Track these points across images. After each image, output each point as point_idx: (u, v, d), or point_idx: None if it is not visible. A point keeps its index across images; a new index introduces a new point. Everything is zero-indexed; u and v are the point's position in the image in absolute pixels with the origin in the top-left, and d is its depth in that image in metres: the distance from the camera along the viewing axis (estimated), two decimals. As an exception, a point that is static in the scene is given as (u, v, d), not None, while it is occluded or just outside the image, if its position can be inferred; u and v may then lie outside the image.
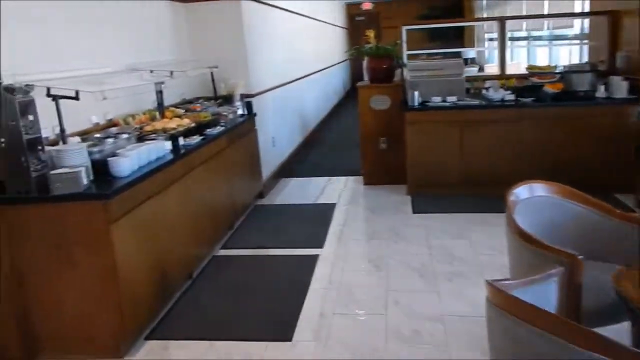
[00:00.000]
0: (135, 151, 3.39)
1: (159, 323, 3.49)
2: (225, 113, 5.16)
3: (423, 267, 4.09)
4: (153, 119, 4.54)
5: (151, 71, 4.61)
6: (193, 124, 4.48)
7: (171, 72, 4.67)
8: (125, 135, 3.70)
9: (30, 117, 2.92)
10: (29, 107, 2.91)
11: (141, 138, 3.95)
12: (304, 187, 6.62)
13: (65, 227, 2.93)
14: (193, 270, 4.16)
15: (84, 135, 3.71)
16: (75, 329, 3.06)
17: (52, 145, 3.30)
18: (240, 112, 5.70)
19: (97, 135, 3.67)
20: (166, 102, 5.17)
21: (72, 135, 3.60)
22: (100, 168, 3.22)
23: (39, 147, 2.96)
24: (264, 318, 3.49)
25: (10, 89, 2.82)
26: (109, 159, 3.23)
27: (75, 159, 3.02)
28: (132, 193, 3.19)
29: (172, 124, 4.18)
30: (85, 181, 2.95)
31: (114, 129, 3.98)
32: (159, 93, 4.60)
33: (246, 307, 3.66)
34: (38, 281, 3.04)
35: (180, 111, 4.97)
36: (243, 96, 5.79)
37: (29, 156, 2.87)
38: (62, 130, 3.23)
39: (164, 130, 4.12)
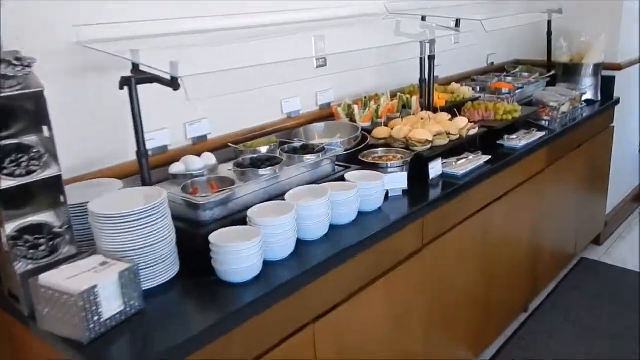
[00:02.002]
0: (287, 218, 1.45)
1: None
2: (553, 102, 2.73)
3: None
4: (405, 106, 2.48)
5: (423, 18, 2.51)
6: (475, 129, 2.25)
7: (457, 21, 2.46)
8: (310, 158, 1.79)
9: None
10: None
11: (357, 159, 1.98)
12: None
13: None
14: None
15: (246, 140, 1.95)
16: None
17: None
18: (588, 95, 3.15)
19: (251, 155, 1.84)
20: (458, 69, 3.06)
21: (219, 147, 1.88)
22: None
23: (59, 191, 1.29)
24: None
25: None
26: (212, 243, 1.38)
27: (121, 236, 1.27)
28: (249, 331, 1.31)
29: (424, 132, 2.04)
30: (114, 309, 1.17)
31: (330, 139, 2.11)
32: (430, 60, 2.47)
33: None
34: None
35: (467, 92, 2.75)
36: (598, 67, 3.17)
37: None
38: (141, 152, 1.47)
39: (407, 144, 2.05)
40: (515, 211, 2.44)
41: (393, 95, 2.52)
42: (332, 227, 1.62)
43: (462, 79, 3.18)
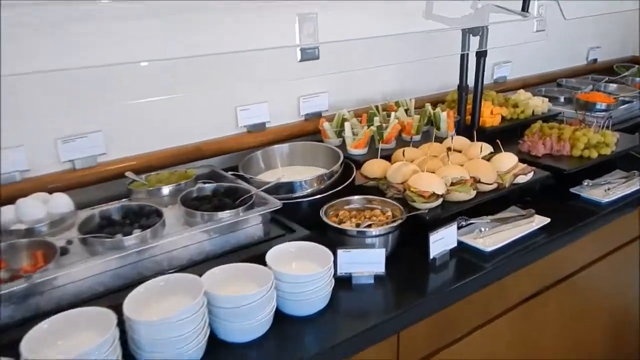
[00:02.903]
0: (94, 349, 0.79)
1: None
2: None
3: None
4: (434, 124, 1.69)
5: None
6: (528, 176, 1.43)
7: (524, 2, 1.61)
8: (225, 217, 1.10)
9: None
10: None
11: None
12: None
13: None
14: None
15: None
16: None
17: None
18: None
19: (132, 201, 1.19)
20: (539, 68, 2.23)
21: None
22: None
23: None
24: None
25: None
26: None
27: None
28: None
29: (432, 179, 1.27)
30: None
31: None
32: (479, 57, 1.65)
33: None
34: None
35: (540, 104, 1.89)
36: None
37: None
38: None
39: (403, 194, 1.29)
40: (587, 297, 1.60)
41: (422, 106, 1.74)
42: (221, 347, 0.95)
43: (543, 81, 2.30)
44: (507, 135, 1.70)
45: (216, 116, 1.49)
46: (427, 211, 1.25)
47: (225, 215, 1.10)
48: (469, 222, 1.34)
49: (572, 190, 1.57)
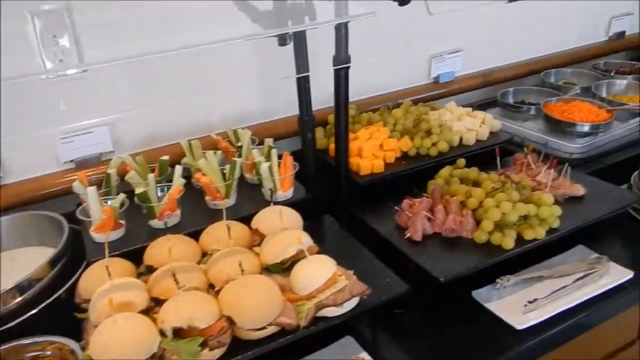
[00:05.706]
0: None
1: None
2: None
3: None
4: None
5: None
6: (332, 309, 0.80)
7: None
8: None
9: None
10: None
11: None
12: None
13: None
14: None
15: None
16: None
17: None
18: None
19: None
20: (527, 51, 1.55)
21: None
22: None
23: None
24: None
25: None
26: None
27: None
28: None
29: (127, 332, 0.69)
30: None
31: None
32: (338, 77, 0.99)
33: None
34: None
35: (481, 126, 1.20)
36: None
37: None
38: None
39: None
40: None
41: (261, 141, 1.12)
42: None
43: (527, 73, 1.57)
44: (403, 190, 1.06)
45: None
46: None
47: None
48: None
49: (475, 294, 0.93)
